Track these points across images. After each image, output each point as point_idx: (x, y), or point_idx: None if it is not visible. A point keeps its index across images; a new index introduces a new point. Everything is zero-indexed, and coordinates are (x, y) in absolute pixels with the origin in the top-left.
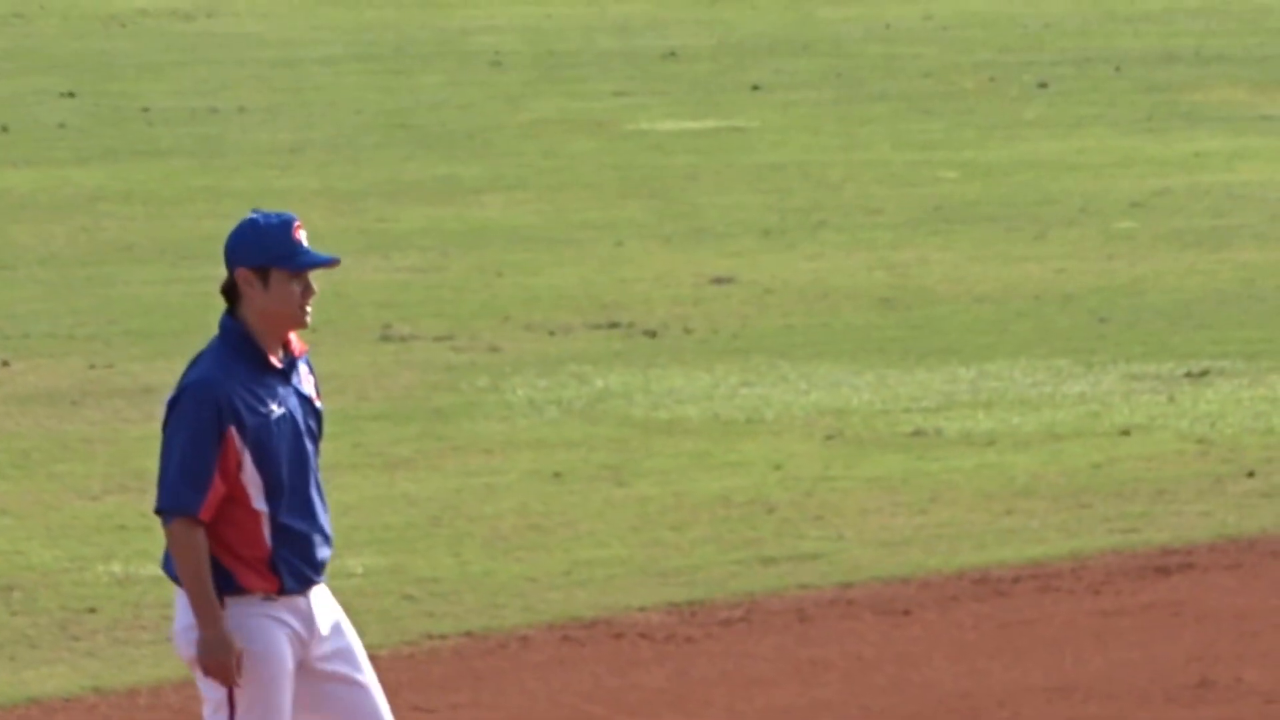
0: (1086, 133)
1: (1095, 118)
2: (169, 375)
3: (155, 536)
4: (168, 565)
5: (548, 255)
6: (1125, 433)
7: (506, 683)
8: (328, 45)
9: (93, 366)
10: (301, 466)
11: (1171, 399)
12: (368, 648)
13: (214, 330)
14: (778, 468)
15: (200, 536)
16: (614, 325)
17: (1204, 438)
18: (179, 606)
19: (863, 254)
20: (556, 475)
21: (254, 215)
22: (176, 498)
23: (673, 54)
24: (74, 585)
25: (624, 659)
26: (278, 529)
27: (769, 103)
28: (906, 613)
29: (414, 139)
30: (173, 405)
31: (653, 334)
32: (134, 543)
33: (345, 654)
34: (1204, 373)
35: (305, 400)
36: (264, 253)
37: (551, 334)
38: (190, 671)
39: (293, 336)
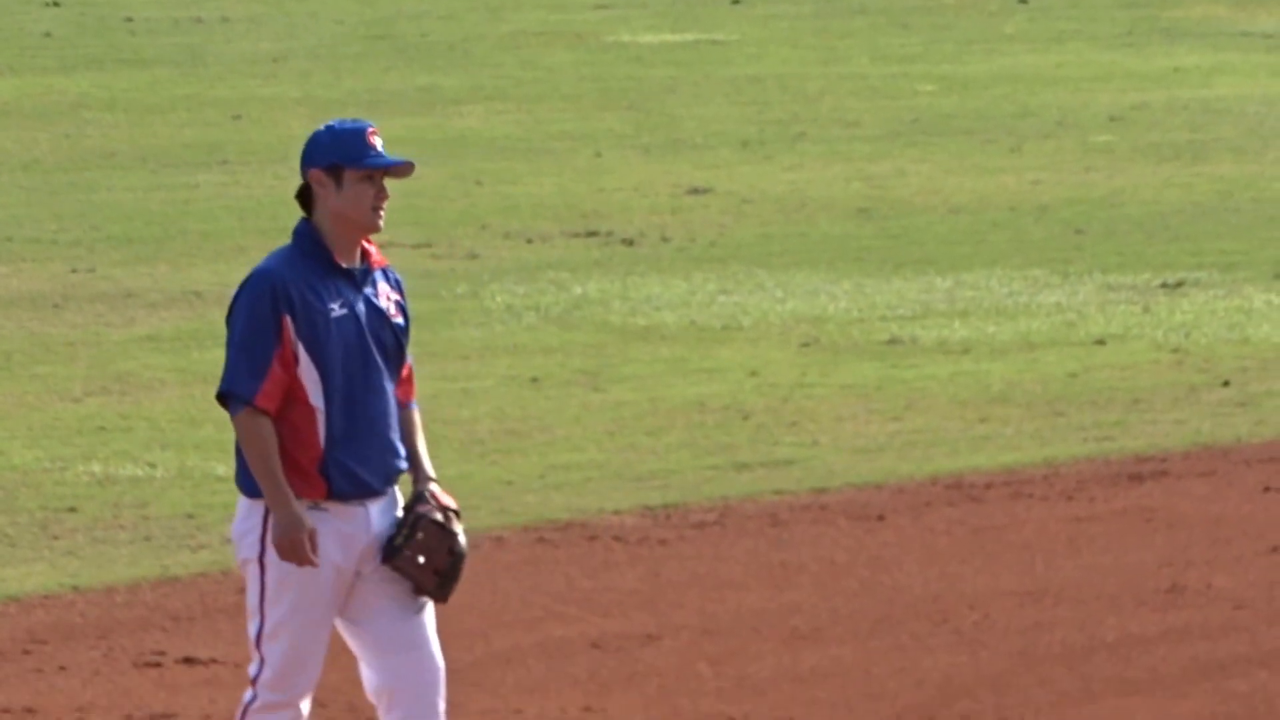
0: (1065, 47)
1: (1074, 32)
2: (149, 280)
3: (136, 438)
4: (239, 477)
5: (526, 165)
6: (1100, 342)
7: (481, 583)
8: None
9: (74, 271)
10: (365, 372)
11: (1147, 309)
12: None
13: (193, 236)
14: (753, 374)
15: (266, 426)
16: (592, 234)
17: (1179, 347)
18: (239, 510)
19: (840, 165)
20: (533, 380)
21: (331, 122)
22: (233, 382)
23: None
24: (54, 485)
25: (597, 561)
26: (333, 429)
27: (748, 16)
28: (880, 518)
29: (395, 49)
30: (235, 299)
31: (630, 242)
32: (114, 444)
33: (393, 593)
34: (1179, 283)
35: (377, 310)
36: (337, 152)
37: (530, 242)
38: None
39: (373, 249)
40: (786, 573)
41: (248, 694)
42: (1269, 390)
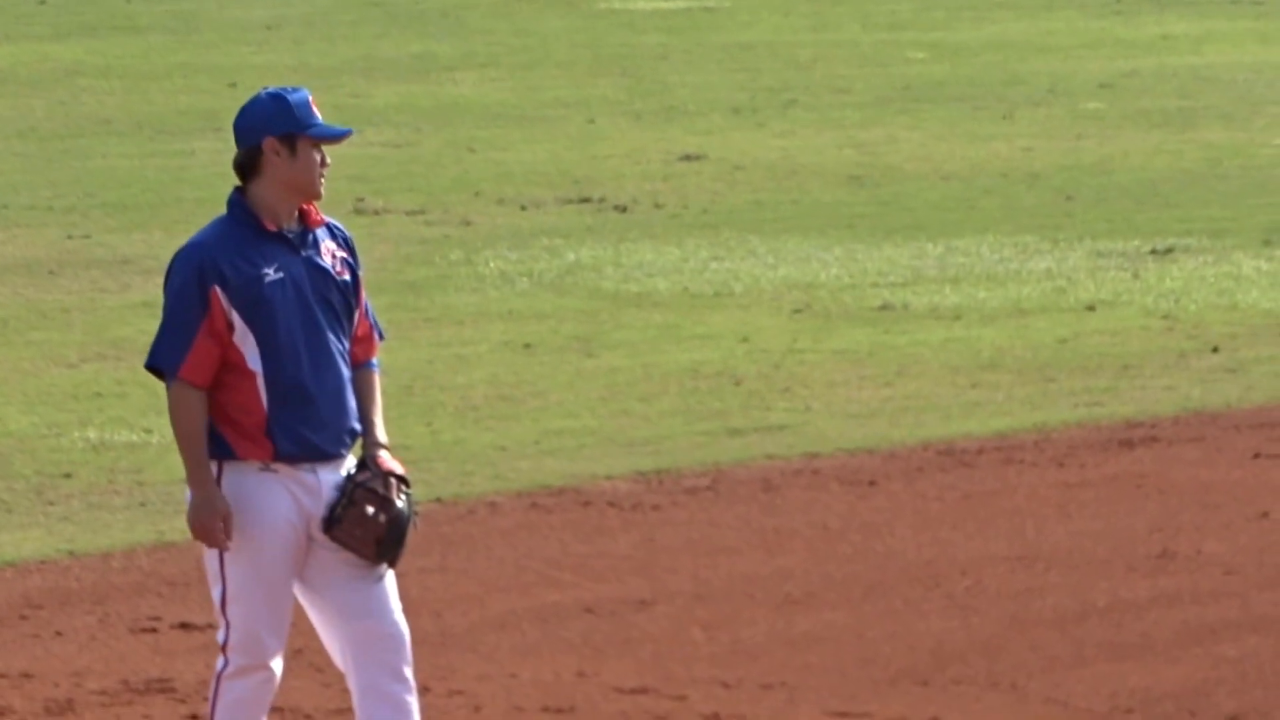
0: (1055, 15)
1: (1064, 0)
2: (144, 247)
3: (131, 404)
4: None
5: (519, 131)
6: (1091, 308)
7: (475, 548)
8: None
9: (70, 237)
10: (308, 334)
11: (1137, 275)
12: None
13: (187, 202)
14: (745, 340)
15: (193, 400)
16: (585, 200)
17: (1169, 314)
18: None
19: (832, 132)
20: (527, 346)
21: (270, 90)
22: (157, 355)
23: None
24: (50, 451)
25: (591, 526)
26: (276, 392)
27: None
28: (872, 483)
29: (388, 16)
30: (167, 272)
31: (623, 209)
32: (109, 410)
33: (339, 570)
34: (1169, 250)
35: (319, 270)
36: (291, 121)
37: (523, 208)
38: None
39: (314, 209)
40: (779, 538)
41: (219, 661)
42: (1258, 356)
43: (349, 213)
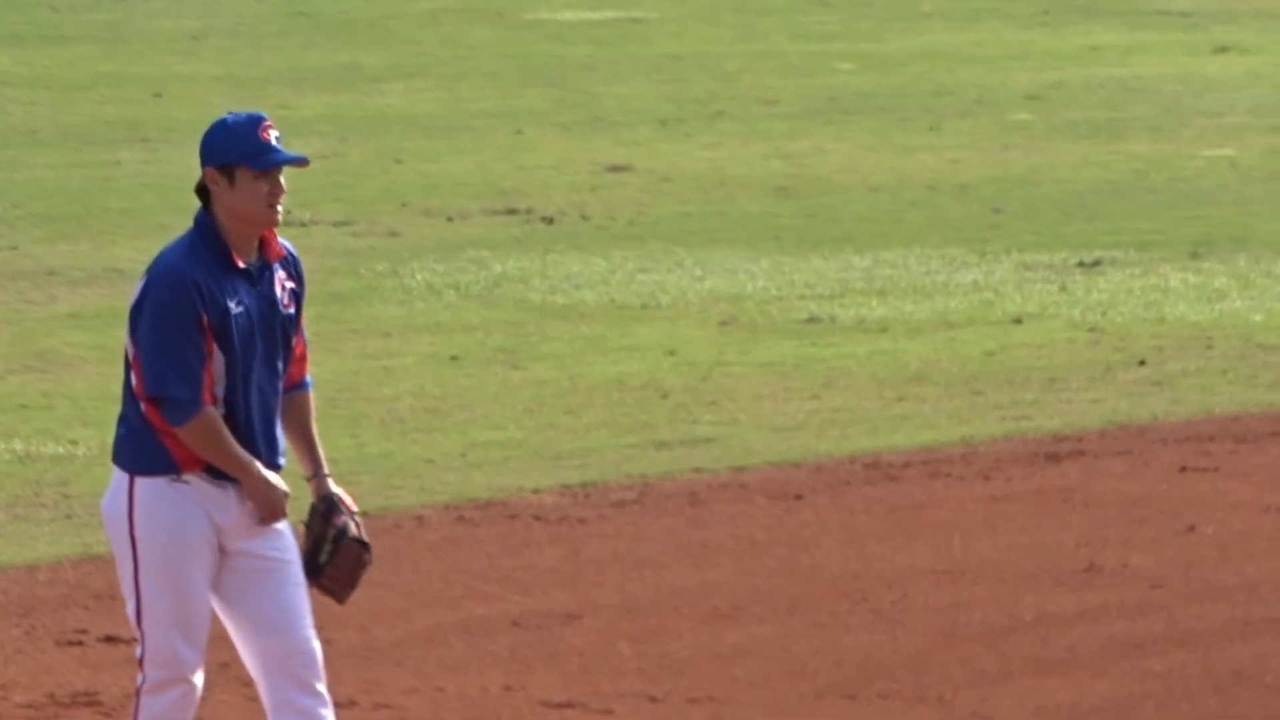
0: (983, 25)
1: (991, 11)
2: (71, 258)
3: (57, 415)
4: (117, 447)
5: (447, 143)
6: (1017, 321)
7: (402, 562)
8: None
9: None
10: (251, 365)
11: (1064, 288)
12: None
13: (114, 214)
14: (672, 353)
15: (217, 418)
16: (512, 211)
17: (1095, 326)
18: (112, 483)
19: (759, 143)
20: (454, 358)
21: (225, 116)
22: (169, 394)
23: None
24: None
25: (518, 539)
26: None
27: None
28: (798, 497)
29: (315, 26)
30: (143, 299)
31: (550, 220)
32: (35, 421)
33: (269, 552)
34: (1096, 262)
35: (270, 303)
36: (229, 151)
37: (450, 220)
38: (111, 548)
39: (278, 239)
40: (706, 551)
41: (139, 677)
42: (1184, 369)
43: None
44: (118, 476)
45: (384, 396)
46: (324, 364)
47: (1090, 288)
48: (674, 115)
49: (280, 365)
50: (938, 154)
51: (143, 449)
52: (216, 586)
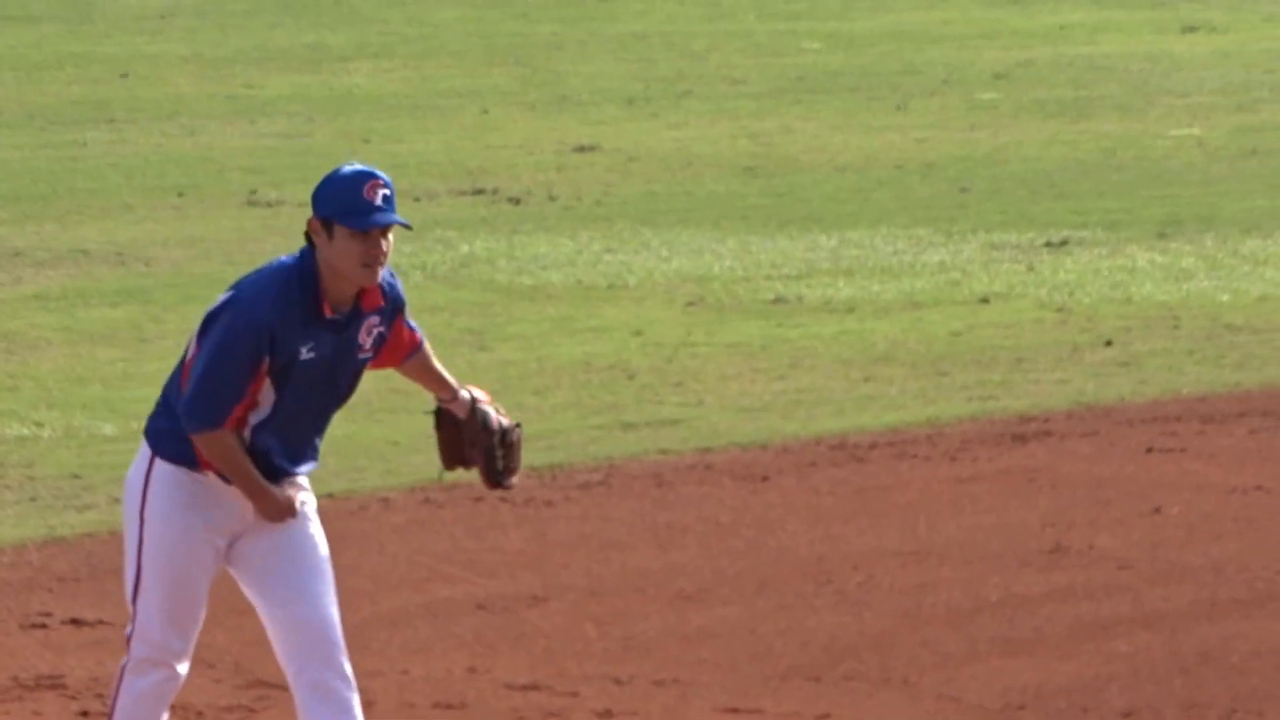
0: (950, 4)
1: None
2: (37, 239)
3: (22, 397)
4: (150, 423)
5: (413, 122)
6: (984, 301)
7: (367, 544)
8: None
9: None
10: (300, 406)
11: (1031, 268)
12: None
13: (80, 194)
14: (639, 334)
15: (228, 440)
16: (479, 192)
17: (1063, 306)
18: (138, 454)
19: (726, 123)
20: None
21: (341, 166)
22: (193, 412)
23: None
24: None
25: (483, 522)
26: (259, 435)
27: None
28: (764, 478)
29: (281, 6)
30: (214, 317)
31: (517, 201)
32: (0, 403)
33: (290, 537)
34: (1063, 242)
35: (350, 349)
36: (331, 205)
37: (417, 200)
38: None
39: (380, 288)
40: (671, 533)
41: (125, 657)
42: (1152, 350)
43: (242, 204)
44: (143, 451)
45: None
46: None
47: (1057, 268)
48: (641, 94)
49: (339, 402)
50: (905, 133)
51: (171, 436)
52: (242, 571)
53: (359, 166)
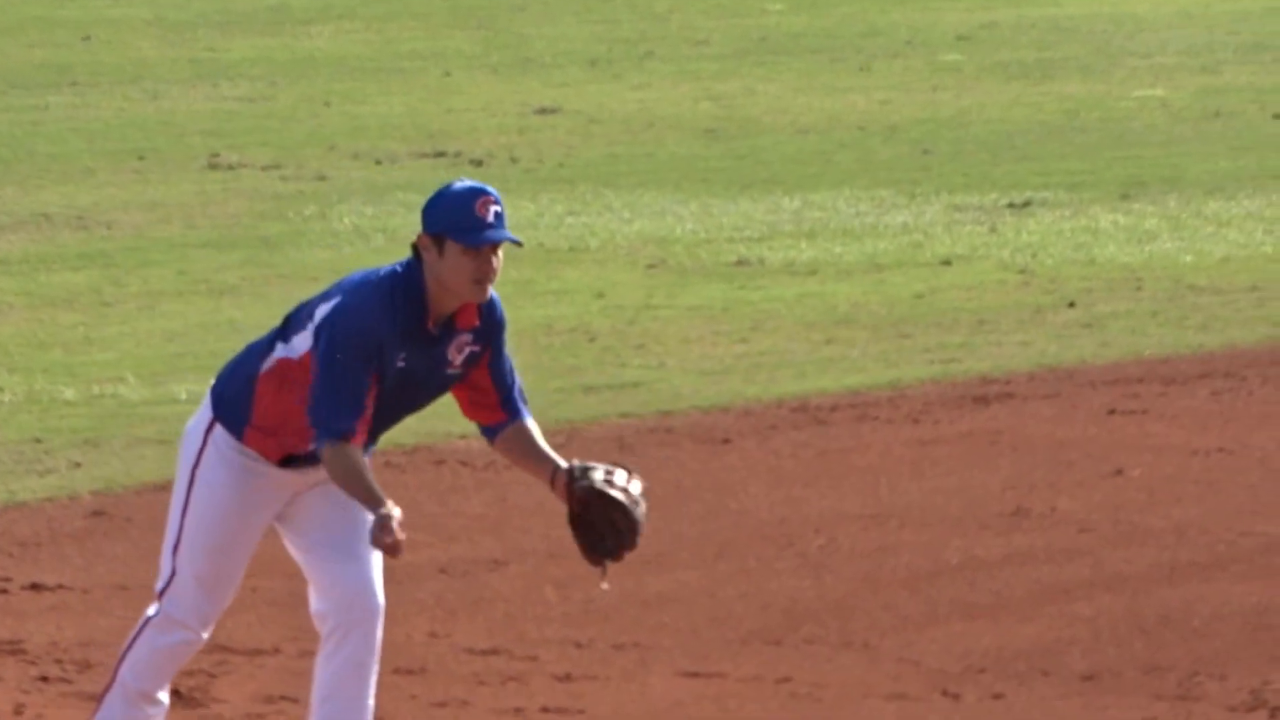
0: None
1: None
2: None
3: None
4: (217, 387)
5: (375, 85)
6: (947, 263)
7: None
8: None
9: None
10: (384, 416)
11: (993, 229)
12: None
13: (41, 158)
14: (600, 296)
15: (356, 452)
16: (440, 154)
17: (1025, 268)
18: (200, 407)
19: (688, 85)
20: None
21: (452, 182)
22: (328, 421)
23: None
24: None
25: (444, 485)
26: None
27: None
28: (725, 441)
29: None
30: (334, 323)
31: (479, 163)
32: None
33: (334, 518)
34: (1026, 203)
35: (440, 363)
36: (442, 221)
37: (378, 163)
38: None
39: (478, 307)
40: None
41: (151, 608)
42: (1114, 311)
43: (203, 168)
44: (205, 410)
45: None
46: (251, 309)
47: (1020, 229)
48: (603, 56)
49: (414, 411)
50: (868, 95)
51: (233, 404)
52: (289, 530)
53: (470, 183)
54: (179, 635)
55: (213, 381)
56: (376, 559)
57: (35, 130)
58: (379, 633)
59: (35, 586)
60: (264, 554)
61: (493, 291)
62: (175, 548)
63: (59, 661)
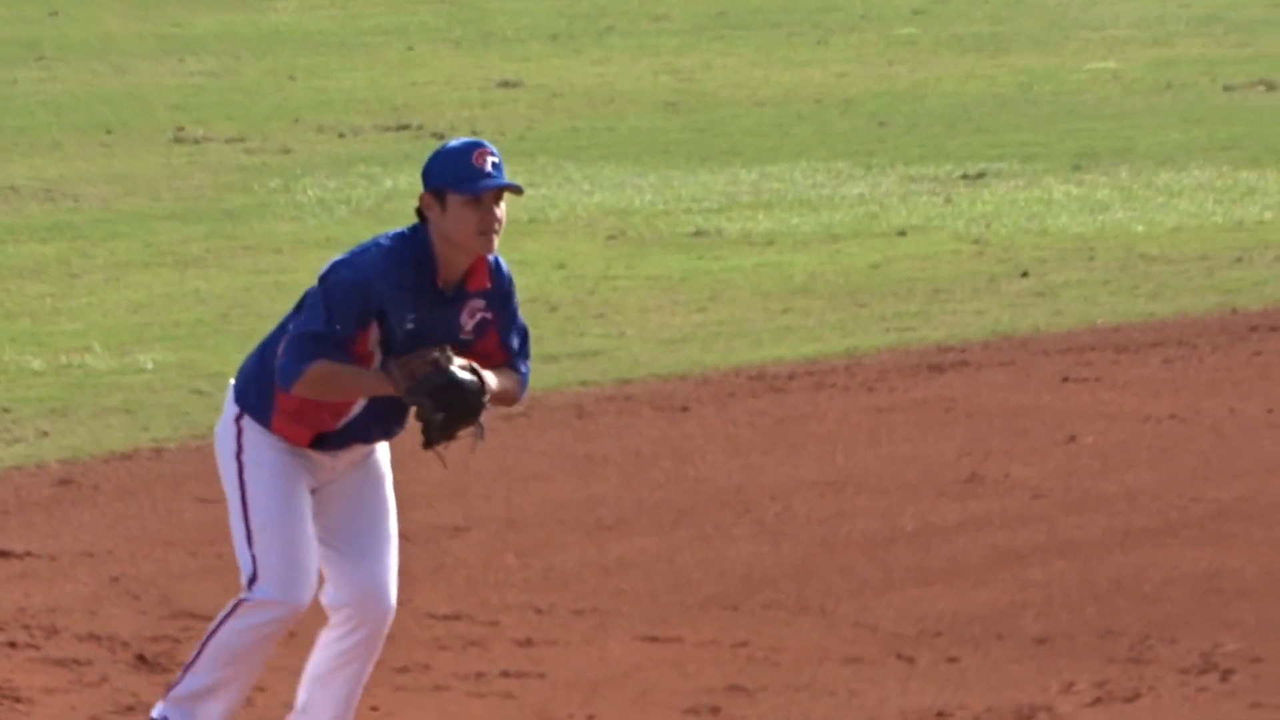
0: None
1: None
2: None
3: None
4: (239, 383)
5: (339, 59)
6: (902, 233)
7: None
8: None
9: None
10: None
11: (948, 200)
12: (157, 441)
13: (9, 132)
14: (561, 266)
15: (323, 367)
16: (403, 127)
17: (979, 238)
18: (225, 405)
19: (648, 59)
20: None
21: (448, 141)
22: (284, 367)
23: None
24: None
25: (404, 452)
26: (345, 424)
27: None
28: (684, 409)
29: None
30: (334, 274)
31: (441, 136)
32: None
33: (361, 508)
34: (980, 175)
35: (448, 327)
36: (441, 176)
37: (342, 136)
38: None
39: (490, 267)
40: (591, 464)
41: (245, 593)
42: (1066, 280)
43: (169, 141)
44: (229, 408)
45: (277, 312)
46: (216, 280)
47: (974, 200)
48: (564, 30)
49: None
50: (825, 69)
51: (261, 399)
52: (317, 515)
53: (465, 139)
54: (275, 613)
55: (232, 380)
56: (393, 558)
57: (3, 104)
58: (385, 632)
59: (3, 554)
60: (216, 524)
61: (498, 255)
62: (249, 540)
63: (26, 628)
